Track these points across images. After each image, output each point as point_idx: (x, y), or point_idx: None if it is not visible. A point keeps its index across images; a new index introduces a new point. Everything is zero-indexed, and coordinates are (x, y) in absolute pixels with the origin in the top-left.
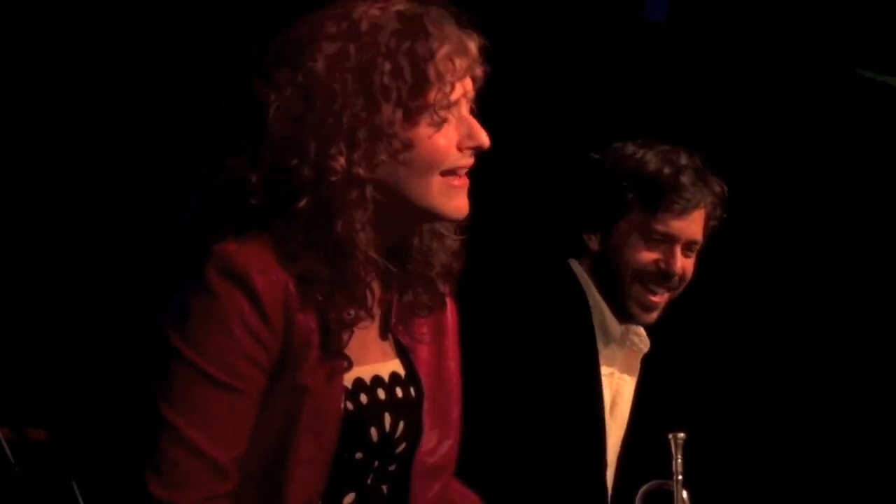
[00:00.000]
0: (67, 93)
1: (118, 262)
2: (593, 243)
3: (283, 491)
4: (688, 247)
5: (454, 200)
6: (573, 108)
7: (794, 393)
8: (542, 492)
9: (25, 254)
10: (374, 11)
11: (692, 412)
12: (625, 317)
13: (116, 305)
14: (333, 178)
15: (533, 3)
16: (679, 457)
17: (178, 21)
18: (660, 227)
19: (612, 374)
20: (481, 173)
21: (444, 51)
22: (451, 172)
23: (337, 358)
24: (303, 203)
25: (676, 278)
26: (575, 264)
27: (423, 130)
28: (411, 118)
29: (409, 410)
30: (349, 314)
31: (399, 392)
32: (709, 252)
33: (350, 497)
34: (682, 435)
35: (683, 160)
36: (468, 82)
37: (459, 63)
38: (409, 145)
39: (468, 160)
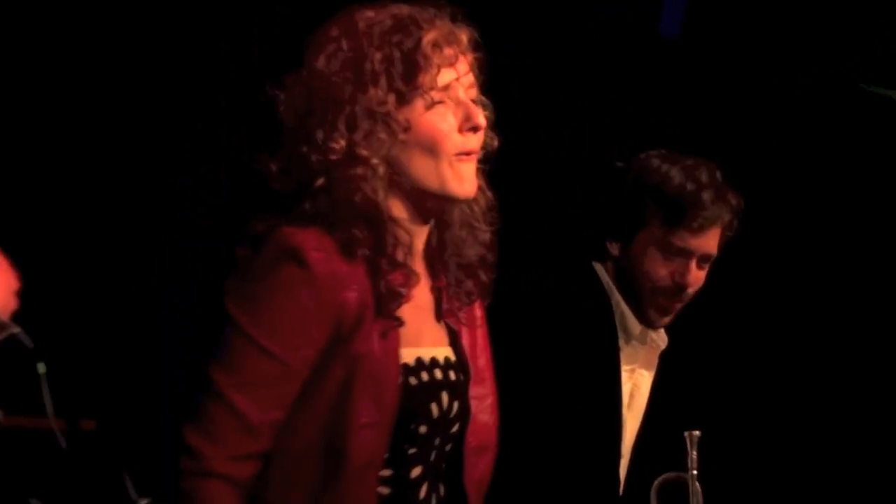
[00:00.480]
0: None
1: (162, 254)
2: (614, 250)
3: (344, 455)
4: (702, 260)
5: (458, 184)
6: (595, 117)
7: (805, 390)
8: (558, 479)
9: (75, 245)
10: (370, 13)
11: (706, 407)
12: (644, 319)
13: (166, 298)
14: (335, 158)
15: (558, 20)
16: (694, 452)
17: (205, 33)
18: (678, 242)
19: (632, 370)
20: (514, 178)
21: (430, 37)
22: (458, 154)
23: (390, 325)
24: (319, 183)
25: (689, 290)
26: (598, 267)
27: (418, 112)
28: (405, 100)
29: (460, 392)
30: (396, 280)
31: (452, 375)
32: (725, 254)
33: (418, 470)
34: (697, 433)
35: (704, 178)
36: (461, 68)
37: (448, 50)
38: (406, 127)
39: (471, 143)
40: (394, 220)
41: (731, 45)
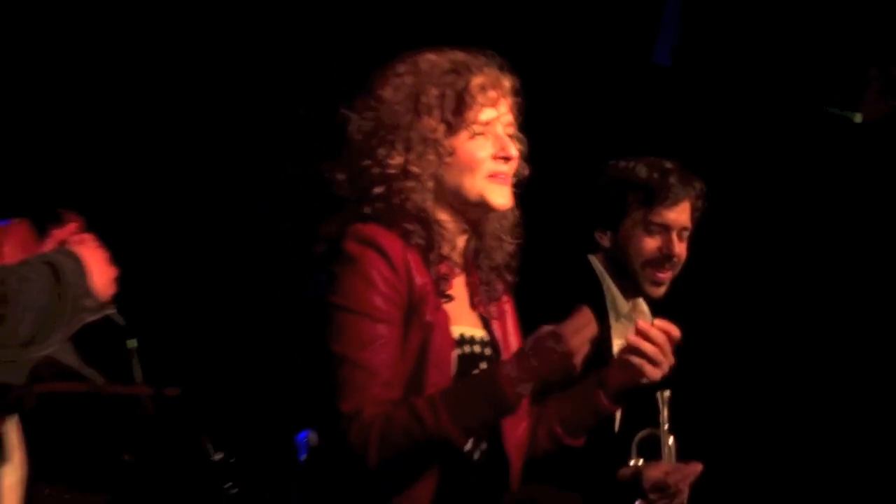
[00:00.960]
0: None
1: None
2: (605, 241)
3: None
4: (681, 233)
5: (494, 195)
6: (590, 136)
7: (767, 356)
8: None
9: (167, 239)
10: (433, 56)
11: (681, 372)
12: (633, 295)
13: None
14: (392, 172)
15: (561, 50)
16: (665, 410)
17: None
18: (657, 219)
19: (621, 343)
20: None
21: (478, 81)
22: (492, 175)
23: (443, 302)
24: (376, 191)
25: (675, 259)
26: (592, 258)
27: (462, 140)
28: (452, 130)
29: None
30: (443, 269)
31: (487, 351)
32: (698, 252)
33: None
34: (667, 392)
35: (668, 165)
36: (502, 108)
37: (491, 92)
38: (451, 152)
39: (502, 167)
40: (439, 223)
41: (719, 72)
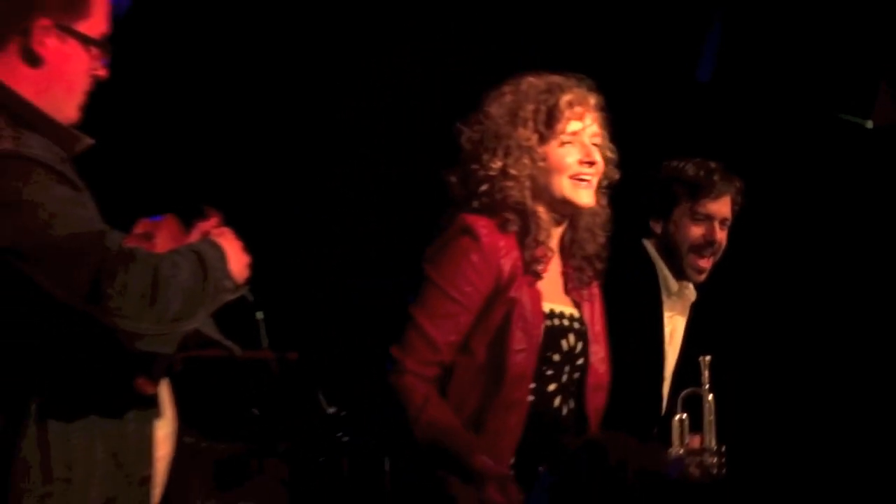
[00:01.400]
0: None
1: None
2: (657, 227)
3: (504, 370)
4: (722, 223)
5: (579, 195)
6: (645, 142)
7: (799, 330)
8: (621, 392)
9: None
10: (533, 79)
11: (722, 339)
12: (681, 277)
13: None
14: (494, 174)
15: (612, 65)
16: (706, 371)
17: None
18: (702, 210)
19: (671, 316)
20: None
21: (566, 98)
22: (577, 177)
23: (534, 280)
24: (482, 189)
25: (716, 245)
26: (647, 242)
27: (553, 148)
28: (544, 140)
29: (581, 338)
30: (539, 252)
31: (576, 325)
32: (736, 245)
33: (553, 386)
34: (708, 357)
35: (712, 165)
36: (587, 121)
37: (578, 108)
38: (543, 158)
39: (586, 171)
40: (536, 214)
41: (751, 86)
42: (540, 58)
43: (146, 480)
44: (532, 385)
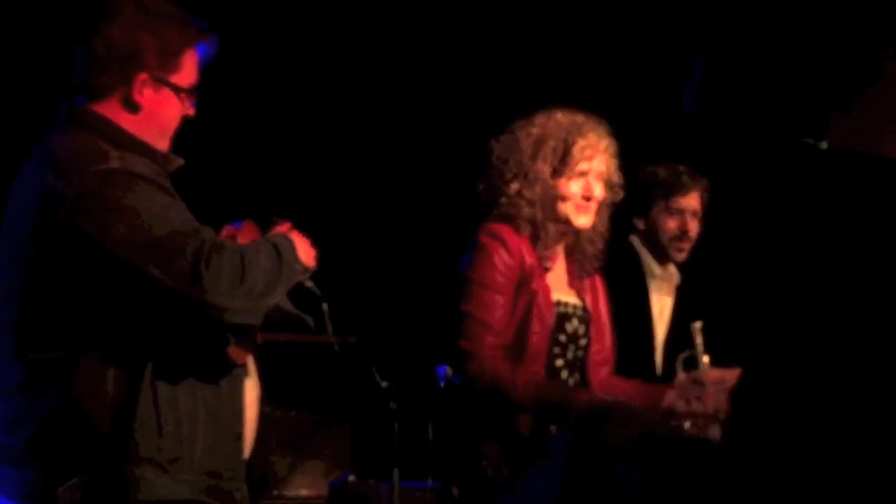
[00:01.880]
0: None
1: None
2: (640, 224)
3: (525, 348)
4: (693, 215)
5: (578, 219)
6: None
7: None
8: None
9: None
10: (559, 116)
11: (706, 311)
12: (664, 262)
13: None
14: (512, 193)
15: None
16: (698, 336)
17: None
18: (674, 205)
19: (659, 296)
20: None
21: (580, 144)
22: (577, 205)
23: (545, 276)
24: (502, 201)
25: (690, 234)
26: (633, 238)
27: (563, 181)
28: (558, 174)
29: (584, 323)
30: (547, 255)
31: (580, 311)
32: (710, 237)
33: (560, 361)
34: (699, 324)
35: (680, 167)
36: (596, 162)
37: (589, 152)
38: (554, 187)
39: (584, 203)
40: (545, 226)
41: (729, 114)
42: (553, 69)
43: (239, 437)
44: (544, 361)
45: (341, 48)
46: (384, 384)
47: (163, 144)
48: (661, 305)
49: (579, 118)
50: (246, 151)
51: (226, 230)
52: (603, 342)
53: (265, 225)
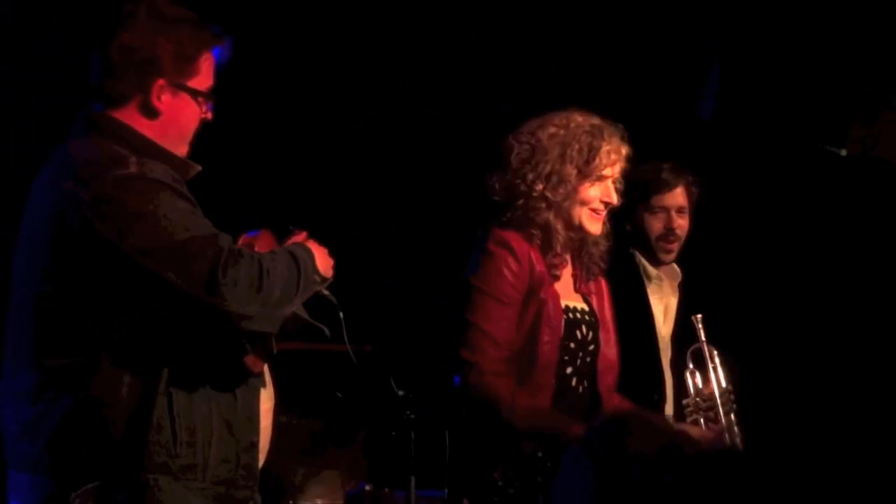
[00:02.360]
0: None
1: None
2: (629, 227)
3: (535, 357)
4: (679, 211)
5: (592, 225)
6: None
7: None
8: (621, 368)
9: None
10: (580, 118)
11: (710, 307)
12: (658, 263)
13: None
14: (534, 195)
15: (622, 105)
16: (701, 328)
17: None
18: (657, 203)
19: (661, 297)
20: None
21: (605, 148)
22: (593, 210)
23: (554, 283)
24: (519, 203)
25: (677, 231)
26: (630, 246)
27: (584, 185)
28: (581, 177)
29: (592, 328)
30: (556, 260)
31: (587, 317)
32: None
33: (570, 369)
34: (700, 315)
35: (663, 164)
36: (616, 168)
37: (613, 157)
38: (576, 190)
39: (601, 208)
40: (556, 231)
41: (754, 124)
42: (553, 69)
43: (254, 445)
44: (554, 370)
45: (342, 48)
46: (400, 392)
47: (182, 149)
48: (666, 304)
49: (597, 121)
50: (246, 151)
51: (243, 238)
52: (609, 347)
53: (280, 232)
